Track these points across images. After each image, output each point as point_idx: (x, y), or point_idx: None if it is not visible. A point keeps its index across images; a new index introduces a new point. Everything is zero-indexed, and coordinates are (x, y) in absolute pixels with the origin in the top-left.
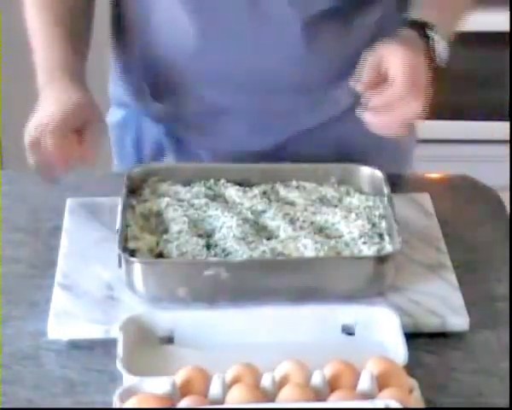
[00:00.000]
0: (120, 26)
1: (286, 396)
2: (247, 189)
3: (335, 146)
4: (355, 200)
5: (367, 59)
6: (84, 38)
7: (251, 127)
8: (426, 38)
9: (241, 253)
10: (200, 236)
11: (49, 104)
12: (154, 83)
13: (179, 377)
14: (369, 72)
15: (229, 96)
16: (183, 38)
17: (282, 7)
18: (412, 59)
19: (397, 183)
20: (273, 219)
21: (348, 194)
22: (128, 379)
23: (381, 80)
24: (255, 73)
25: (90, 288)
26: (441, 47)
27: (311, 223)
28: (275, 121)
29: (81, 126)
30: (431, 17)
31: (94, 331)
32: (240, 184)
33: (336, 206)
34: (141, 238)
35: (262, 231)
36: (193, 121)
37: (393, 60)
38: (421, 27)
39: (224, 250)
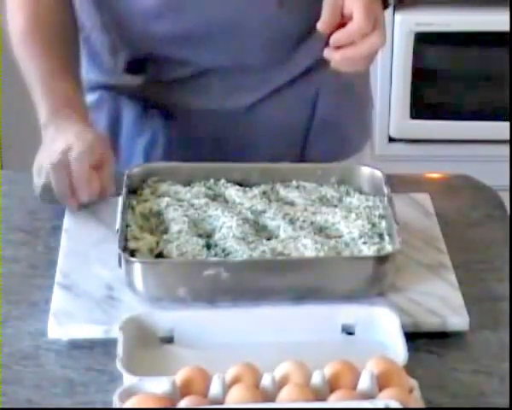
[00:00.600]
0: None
1: (286, 396)
2: (247, 189)
3: (306, 108)
4: (355, 200)
5: (327, 0)
6: (77, 66)
7: (224, 85)
8: None
9: (241, 253)
10: (200, 236)
11: (70, 137)
12: (129, 55)
13: (179, 377)
14: (328, 11)
15: (201, 55)
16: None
17: None
18: None
19: (397, 183)
20: (273, 219)
21: (348, 194)
22: (128, 379)
23: (343, 22)
24: (227, 29)
25: (89, 288)
26: None
27: (311, 223)
28: (247, 78)
29: (97, 163)
30: None
31: (94, 331)
32: (240, 184)
33: (336, 206)
34: (141, 238)
35: (262, 231)
36: (168, 85)
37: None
38: None
39: (223, 250)
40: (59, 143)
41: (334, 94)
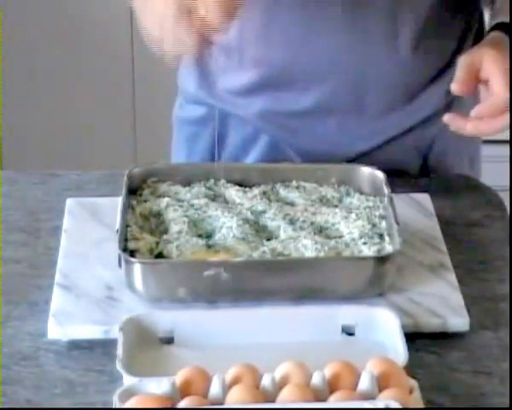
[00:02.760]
0: None
1: (286, 397)
2: (247, 189)
3: (418, 157)
4: (355, 200)
5: (462, 61)
6: None
7: (339, 129)
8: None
9: (241, 253)
10: (200, 236)
11: None
12: (244, 78)
13: (179, 377)
14: (463, 72)
15: (329, 96)
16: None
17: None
18: (507, 63)
19: (397, 183)
20: (273, 220)
21: (348, 194)
22: (128, 380)
23: (477, 84)
24: (358, 72)
25: (89, 288)
26: None
27: (311, 223)
28: (364, 124)
29: None
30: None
31: (94, 332)
32: (240, 185)
33: (336, 206)
34: (141, 239)
35: (262, 232)
36: (285, 120)
37: (494, 67)
38: (505, 27)
39: None
40: None
41: (447, 142)
